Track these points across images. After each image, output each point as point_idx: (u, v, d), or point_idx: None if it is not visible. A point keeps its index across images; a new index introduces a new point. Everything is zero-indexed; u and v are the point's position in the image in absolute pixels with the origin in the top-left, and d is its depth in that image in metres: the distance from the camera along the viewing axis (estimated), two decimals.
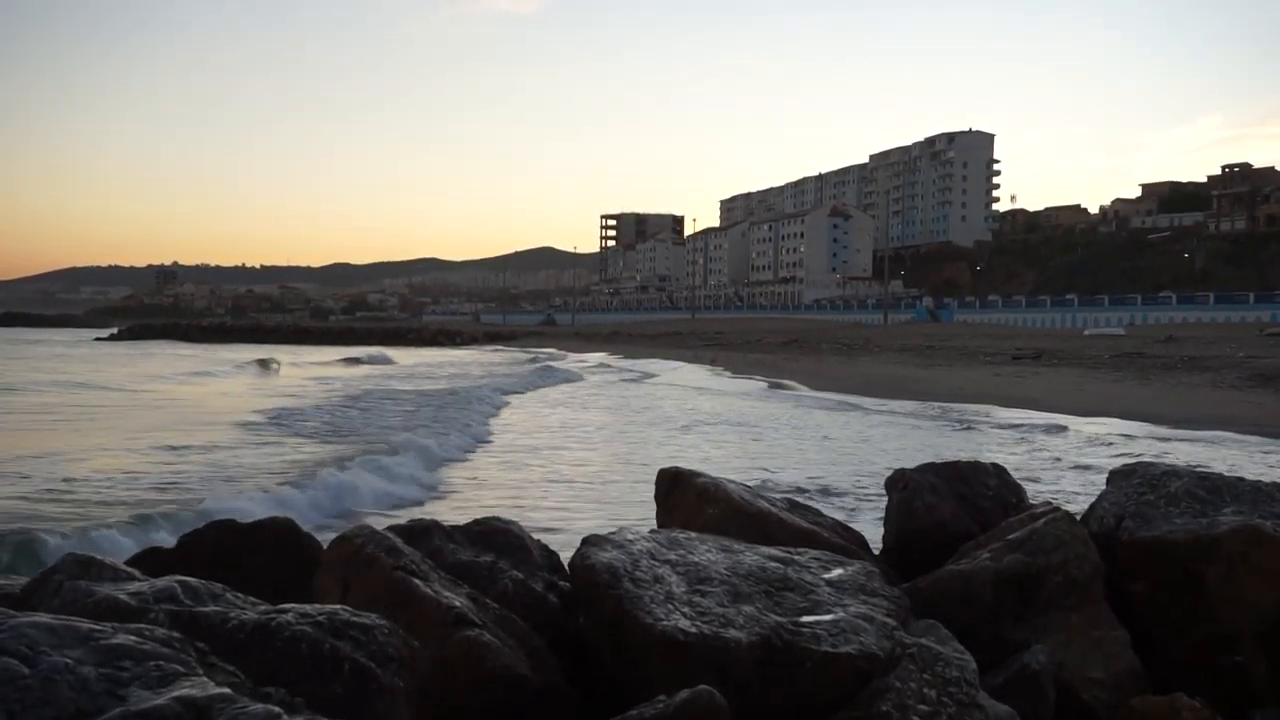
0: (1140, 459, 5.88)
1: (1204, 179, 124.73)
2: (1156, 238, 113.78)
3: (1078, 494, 10.72)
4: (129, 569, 3.16)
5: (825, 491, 11.44)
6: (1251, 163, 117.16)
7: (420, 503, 10.99)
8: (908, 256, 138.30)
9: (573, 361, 52.37)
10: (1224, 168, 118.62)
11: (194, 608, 2.63)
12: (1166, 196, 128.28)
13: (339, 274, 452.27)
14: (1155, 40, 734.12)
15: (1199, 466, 9.69)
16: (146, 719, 2.00)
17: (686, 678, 2.92)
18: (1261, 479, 4.50)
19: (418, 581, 3.28)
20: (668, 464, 5.14)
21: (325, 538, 3.87)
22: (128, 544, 7.29)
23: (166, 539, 6.08)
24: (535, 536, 4.29)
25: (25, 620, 2.21)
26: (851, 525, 5.21)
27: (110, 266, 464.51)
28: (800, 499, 5.52)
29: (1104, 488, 4.66)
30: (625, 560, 3.56)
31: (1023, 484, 5.16)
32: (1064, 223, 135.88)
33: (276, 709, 2.09)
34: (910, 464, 5.16)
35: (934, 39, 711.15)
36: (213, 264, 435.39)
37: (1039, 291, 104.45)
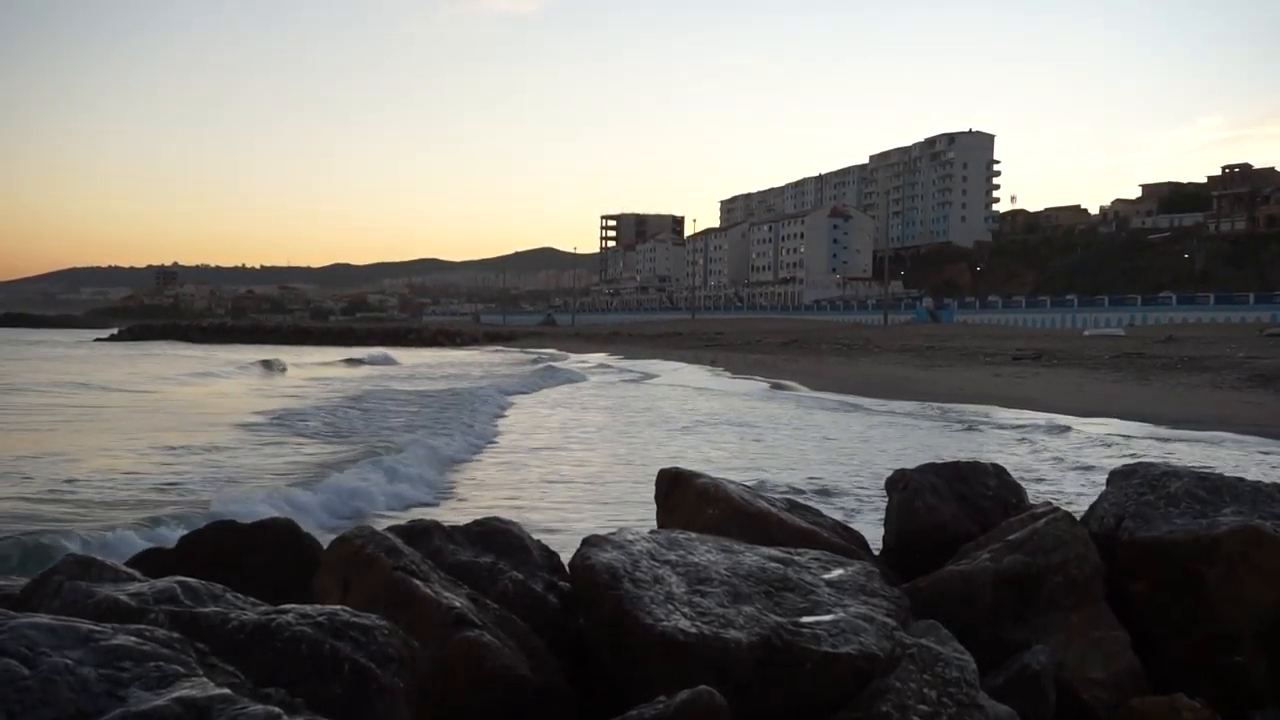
0: (1141, 459, 5.88)
1: (1204, 179, 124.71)
2: (1156, 238, 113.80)
3: (1078, 494, 10.72)
4: (129, 570, 3.16)
5: (825, 492, 11.44)
6: (1251, 163, 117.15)
7: (430, 504, 10.98)
8: (908, 257, 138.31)
9: (574, 362, 52.38)
10: (1224, 168, 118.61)
11: (194, 608, 2.63)
12: (1166, 197, 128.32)
13: (339, 274, 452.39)
14: (1155, 40, 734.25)
15: (1204, 467, 9.69)
16: None
17: (687, 678, 2.92)
18: (1261, 479, 4.50)
19: (418, 582, 3.28)
20: (668, 464, 5.14)
21: (331, 539, 3.87)
22: (142, 546, 7.30)
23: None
24: (537, 537, 4.30)
25: (25, 621, 2.21)
26: (851, 525, 5.21)
27: (110, 267, 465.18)
28: (800, 499, 5.53)
29: (1104, 488, 4.66)
30: (625, 561, 3.56)
31: (1023, 484, 5.16)
32: (1064, 223, 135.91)
33: (276, 709, 2.10)
34: (910, 464, 5.16)
35: (934, 39, 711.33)
36: (213, 264, 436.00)
37: (1039, 292, 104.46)
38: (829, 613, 3.40)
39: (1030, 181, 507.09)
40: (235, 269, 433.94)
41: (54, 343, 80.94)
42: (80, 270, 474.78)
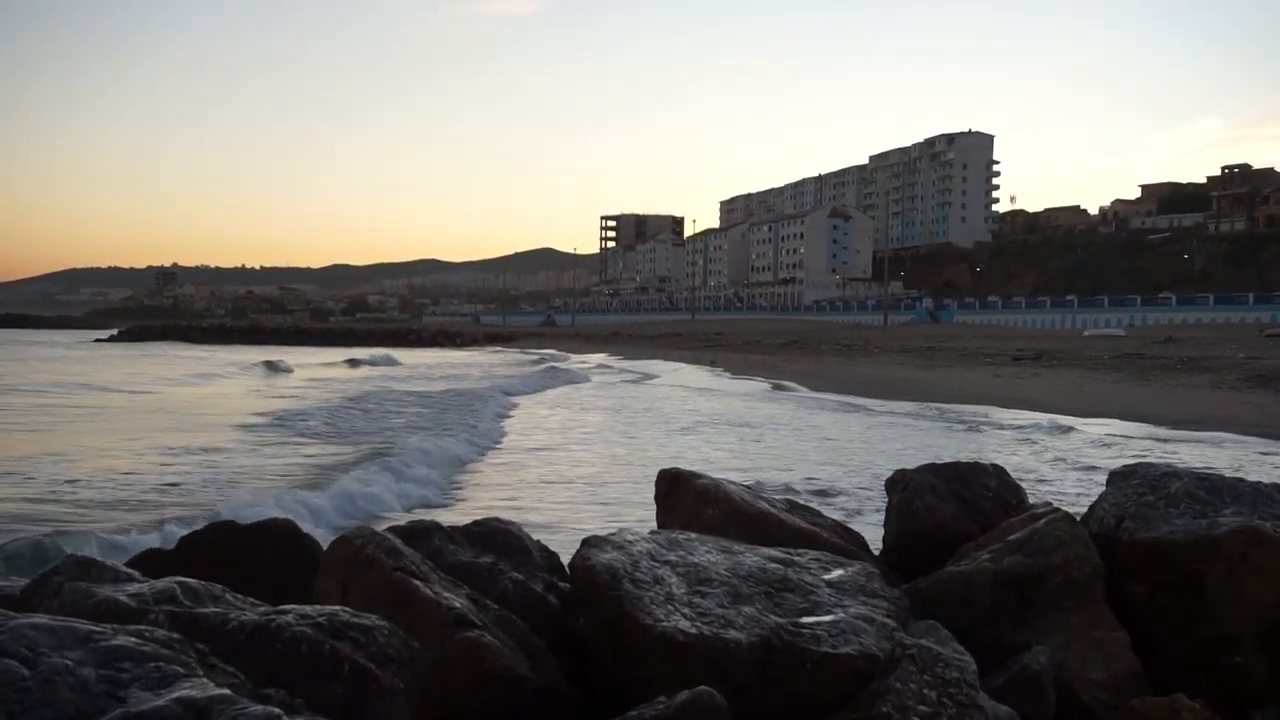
0: (1141, 460, 5.88)
1: (1204, 180, 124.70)
2: (1156, 238, 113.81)
3: (1078, 495, 10.72)
4: (129, 570, 3.16)
5: (825, 492, 11.44)
6: (1251, 164, 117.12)
7: (437, 505, 10.98)
8: (907, 257, 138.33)
9: (574, 363, 52.37)
10: (1224, 169, 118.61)
11: (194, 609, 2.63)
12: (1166, 197, 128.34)
13: (339, 275, 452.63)
14: (1155, 40, 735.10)
15: (1206, 467, 9.69)
16: None
17: (687, 678, 2.92)
18: (1262, 480, 4.50)
19: (418, 582, 3.28)
20: (668, 465, 5.15)
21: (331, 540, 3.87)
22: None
23: None
24: (538, 537, 4.30)
25: (25, 622, 2.21)
26: (851, 526, 5.21)
27: (110, 268, 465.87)
28: (800, 499, 5.52)
29: (1104, 488, 4.65)
30: (625, 561, 3.56)
31: (1023, 484, 5.16)
32: (1064, 224, 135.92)
33: (276, 710, 2.09)
34: (910, 465, 5.16)
35: (934, 39, 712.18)
36: (212, 265, 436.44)
37: (1039, 292, 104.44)
38: (829, 613, 3.40)
39: (1030, 182, 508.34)
40: (235, 269, 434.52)
41: (53, 343, 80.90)
42: (80, 271, 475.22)
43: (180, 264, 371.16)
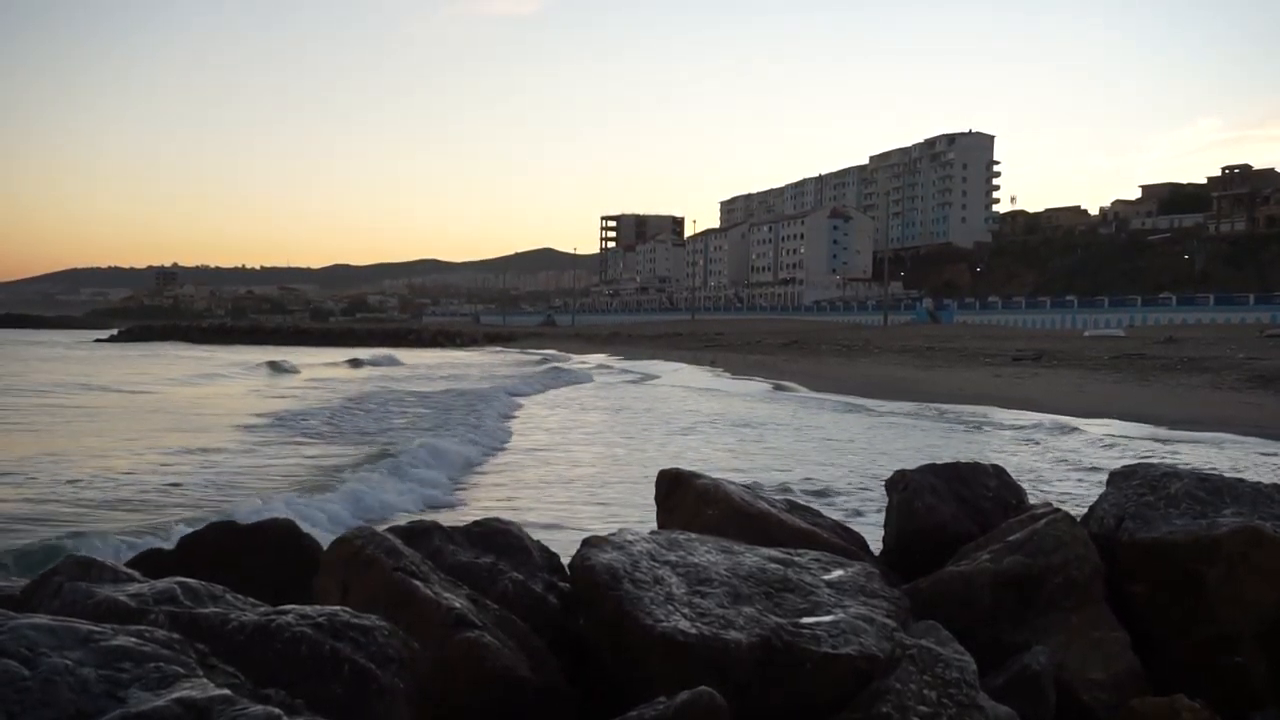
0: (1145, 460, 5.88)
1: (1204, 180, 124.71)
2: (1156, 239, 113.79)
3: (1078, 495, 10.72)
4: (129, 570, 3.16)
5: (825, 492, 11.44)
6: (1251, 164, 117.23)
7: (447, 506, 10.97)
8: (907, 258, 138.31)
9: (575, 363, 52.37)
10: (1224, 169, 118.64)
11: (194, 609, 2.63)
12: (1166, 198, 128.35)
13: (339, 275, 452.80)
14: (1155, 41, 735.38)
15: (1209, 467, 9.68)
16: None
17: (687, 678, 2.92)
18: (1262, 480, 4.50)
19: (418, 583, 3.28)
20: (668, 465, 5.15)
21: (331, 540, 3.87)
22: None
23: None
24: (543, 537, 4.30)
25: (25, 622, 2.21)
26: (851, 526, 5.21)
27: (110, 268, 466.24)
28: (800, 500, 5.52)
29: (1104, 489, 4.65)
30: (625, 561, 3.56)
31: (1023, 485, 5.16)
32: (1064, 224, 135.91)
33: (276, 710, 2.09)
34: (910, 465, 5.16)
35: (934, 39, 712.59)
36: (212, 265, 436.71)
37: (1039, 293, 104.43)
38: (829, 614, 3.40)
39: (1030, 182, 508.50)
40: (235, 269, 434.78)
41: (54, 344, 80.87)
42: (80, 271, 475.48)
43: (180, 264, 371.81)
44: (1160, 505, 4.23)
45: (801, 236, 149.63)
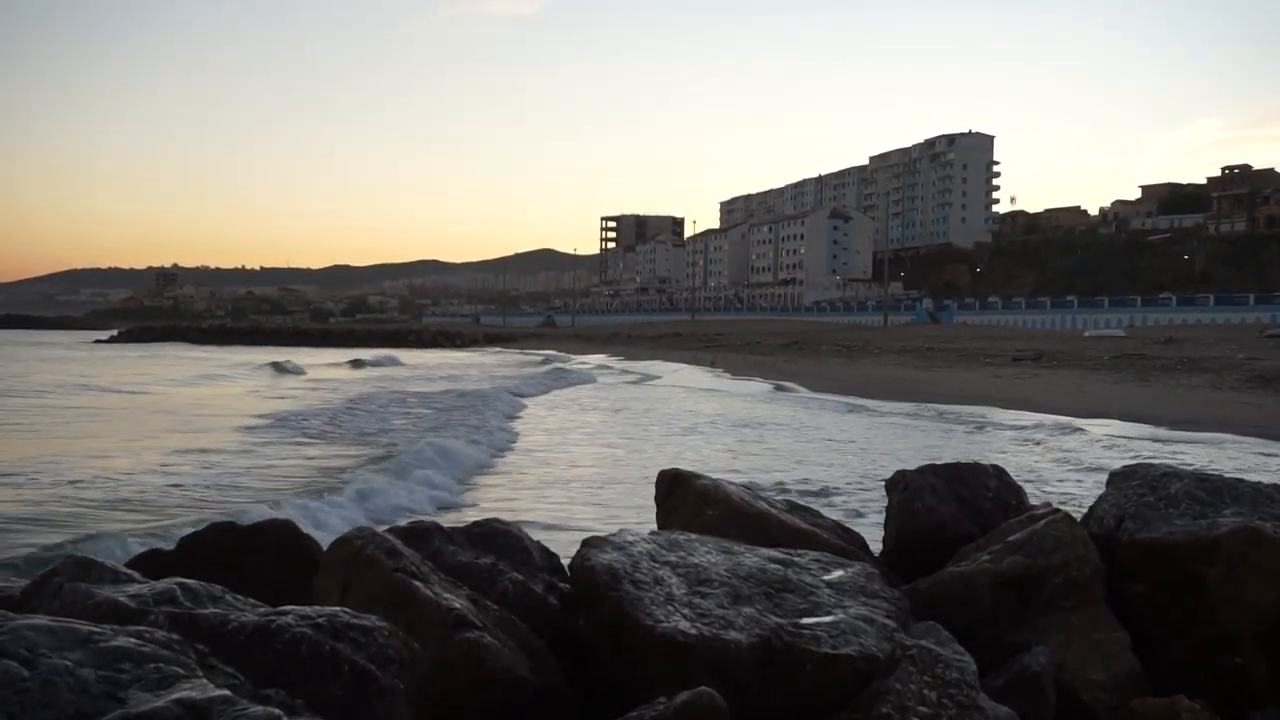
0: (1149, 460, 5.88)
1: (1204, 180, 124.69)
2: (1156, 239, 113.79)
3: (1078, 495, 10.71)
4: (129, 571, 3.16)
5: (825, 493, 11.44)
6: (1251, 164, 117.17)
7: (457, 507, 10.95)
8: (908, 258, 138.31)
9: (576, 364, 52.38)
10: (1224, 169, 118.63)
11: (194, 610, 2.63)
12: (1166, 198, 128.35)
13: (339, 276, 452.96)
14: (1155, 41, 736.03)
15: (1211, 467, 9.69)
16: None
17: (687, 679, 2.92)
18: (1262, 480, 4.50)
19: (418, 583, 3.28)
20: (669, 465, 5.15)
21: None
22: None
23: None
24: (547, 537, 4.30)
25: (25, 622, 2.21)
26: (851, 527, 5.21)
27: (110, 268, 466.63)
28: (800, 500, 5.52)
29: (1104, 489, 4.65)
30: (625, 562, 3.56)
31: (1022, 485, 5.16)
32: (1064, 224, 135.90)
33: (276, 711, 2.09)
34: (910, 465, 5.16)
35: (934, 39, 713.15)
36: (212, 266, 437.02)
37: (1039, 293, 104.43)
38: (829, 614, 3.40)
39: (1030, 182, 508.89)
40: (235, 270, 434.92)
41: (54, 344, 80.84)
42: (80, 271, 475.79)
43: (180, 265, 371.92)
44: (1160, 505, 4.23)
45: (801, 237, 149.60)
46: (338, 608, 2.75)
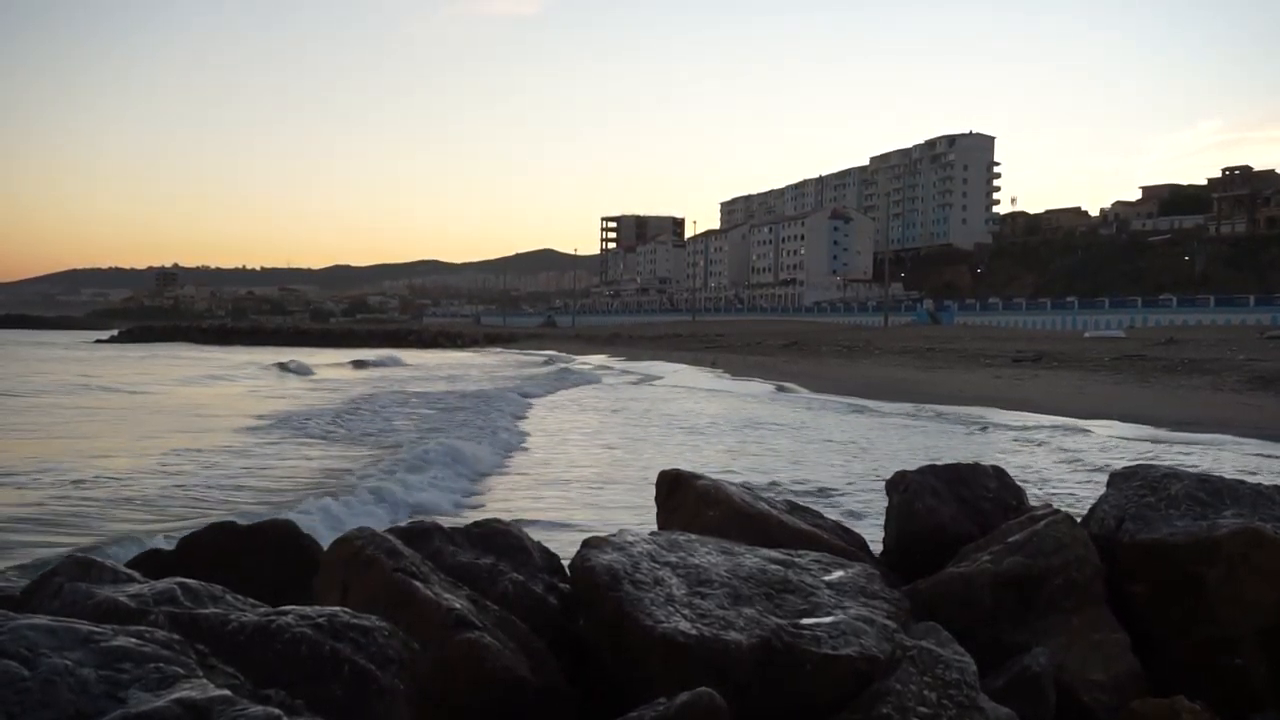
0: (1151, 460, 5.88)
1: (1204, 182, 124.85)
2: (1157, 240, 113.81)
3: (1078, 496, 10.71)
4: (129, 571, 3.16)
5: (825, 493, 11.44)
6: (1252, 165, 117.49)
7: (469, 507, 10.94)
8: (908, 259, 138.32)
9: (578, 364, 52.37)
10: (1224, 170, 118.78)
11: (194, 610, 2.62)
12: (1167, 199, 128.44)
13: (339, 276, 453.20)
14: (1155, 42, 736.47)
15: (1212, 470, 9.70)
16: None
17: (687, 679, 2.92)
18: (1262, 482, 4.50)
19: (418, 583, 3.28)
20: (669, 466, 5.14)
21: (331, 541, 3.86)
22: None
23: None
24: (548, 537, 4.29)
25: (25, 622, 2.21)
26: (852, 527, 5.21)
27: (110, 268, 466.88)
28: (800, 500, 5.52)
29: (1104, 490, 4.65)
30: (625, 562, 3.56)
31: (1023, 486, 5.16)
32: (1064, 225, 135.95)
33: (276, 711, 2.09)
34: (911, 466, 5.16)
35: (934, 39, 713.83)
36: (213, 266, 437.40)
37: (1039, 294, 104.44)
38: (829, 615, 3.40)
39: (1030, 183, 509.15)
40: (235, 270, 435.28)
41: (54, 344, 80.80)
42: (80, 272, 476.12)
43: (180, 265, 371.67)
44: (1161, 506, 4.23)
45: (802, 238, 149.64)
46: (338, 608, 2.75)
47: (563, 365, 49.20)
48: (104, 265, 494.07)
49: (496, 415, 21.45)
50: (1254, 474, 11.70)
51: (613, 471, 13.77)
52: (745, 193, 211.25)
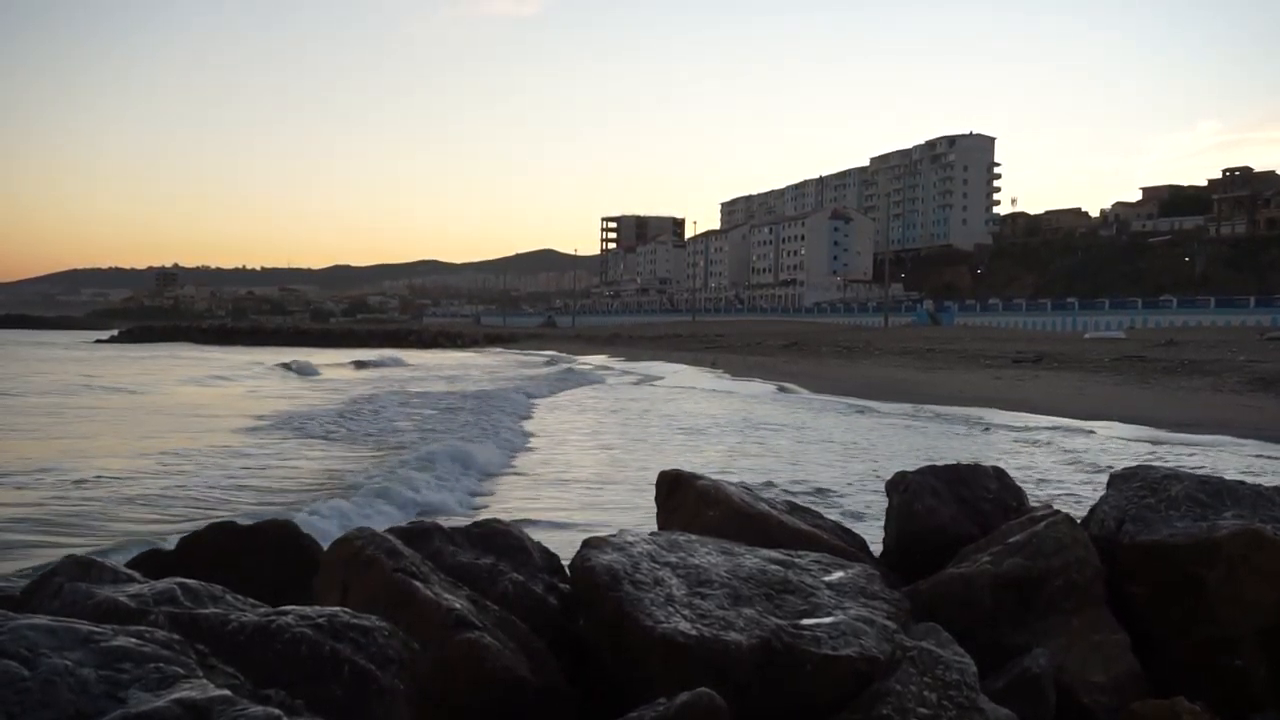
0: (1146, 462, 5.88)
1: (1204, 182, 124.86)
2: (1157, 241, 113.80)
3: (1078, 497, 10.71)
4: (129, 571, 3.16)
5: (825, 493, 11.44)
6: (1252, 166, 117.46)
7: (478, 508, 10.92)
8: (908, 259, 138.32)
9: (579, 364, 52.36)
10: (1224, 171, 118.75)
11: (194, 610, 2.62)
12: (1167, 200, 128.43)
13: (339, 276, 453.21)
14: (1155, 42, 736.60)
15: (1212, 470, 9.70)
16: None
17: (687, 679, 2.92)
18: (1262, 483, 4.50)
19: (418, 583, 3.28)
20: (669, 466, 5.14)
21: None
22: None
23: None
24: (551, 537, 4.29)
25: (25, 622, 2.21)
26: (852, 528, 5.21)
27: (110, 268, 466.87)
28: (801, 501, 5.52)
29: (1104, 491, 4.65)
30: (625, 562, 3.56)
31: (1023, 486, 5.15)
32: (1064, 226, 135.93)
33: (276, 711, 2.09)
34: (911, 466, 5.15)
35: (934, 39, 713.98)
36: (213, 266, 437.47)
37: (1039, 295, 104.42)
38: (829, 615, 3.40)
39: (1031, 184, 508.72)
40: (236, 270, 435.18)
41: (54, 344, 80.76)
42: (80, 272, 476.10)
43: (180, 265, 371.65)
44: (1161, 507, 4.23)
45: (802, 238, 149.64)
46: (338, 608, 2.75)
47: (565, 366, 49.19)
48: (104, 265, 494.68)
49: (500, 416, 21.43)
50: (1252, 475, 11.72)
51: (613, 472, 13.77)
52: (745, 193, 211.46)
